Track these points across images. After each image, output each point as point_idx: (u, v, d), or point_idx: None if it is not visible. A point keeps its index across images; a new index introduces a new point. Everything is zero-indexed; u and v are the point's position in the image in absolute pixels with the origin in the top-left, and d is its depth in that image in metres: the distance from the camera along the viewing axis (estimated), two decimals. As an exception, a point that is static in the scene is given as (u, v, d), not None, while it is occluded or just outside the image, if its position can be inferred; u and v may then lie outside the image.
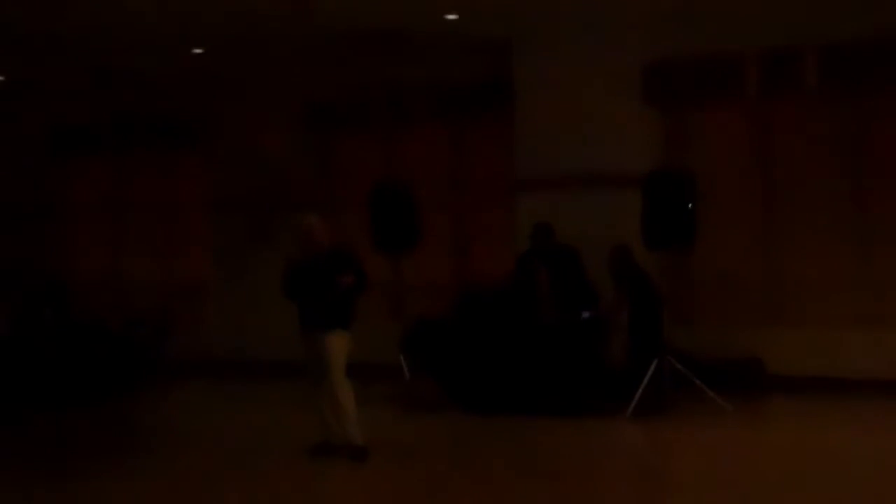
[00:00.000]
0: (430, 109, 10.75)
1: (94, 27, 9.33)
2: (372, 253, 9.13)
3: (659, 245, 8.30)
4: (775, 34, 9.09)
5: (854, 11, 8.73)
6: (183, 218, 12.34)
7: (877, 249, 9.06)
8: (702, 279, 9.66)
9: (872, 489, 5.90)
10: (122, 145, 12.46)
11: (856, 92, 9.04)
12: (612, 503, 6.10)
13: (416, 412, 8.66)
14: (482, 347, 8.51)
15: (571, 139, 9.64)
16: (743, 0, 8.78)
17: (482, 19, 9.40)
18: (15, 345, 9.67)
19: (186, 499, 6.20)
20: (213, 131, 11.82)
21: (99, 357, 9.85)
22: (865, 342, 8.85)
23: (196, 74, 11.41)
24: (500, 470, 6.70)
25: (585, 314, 8.40)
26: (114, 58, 10.66)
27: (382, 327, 9.65)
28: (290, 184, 11.28)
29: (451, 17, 9.25)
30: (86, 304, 11.42)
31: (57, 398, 9.38)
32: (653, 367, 8.10)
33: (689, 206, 8.18)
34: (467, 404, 8.43)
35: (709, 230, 8.80)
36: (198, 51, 10.48)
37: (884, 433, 7.35)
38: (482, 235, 10.73)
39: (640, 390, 8.03)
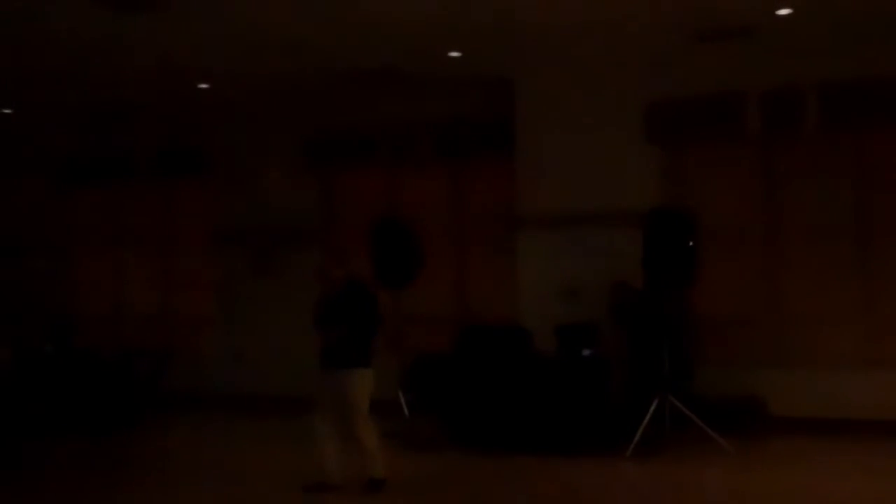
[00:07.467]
0: (432, 145, 10.81)
1: (101, 62, 9.41)
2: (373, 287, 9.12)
3: (660, 283, 8.28)
4: (776, 73, 9.13)
5: (854, 51, 8.79)
6: (184, 251, 12.35)
7: (880, 289, 9.02)
8: (703, 318, 9.62)
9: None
10: (124, 178, 12.52)
11: (856, 130, 9.07)
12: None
13: (415, 450, 8.59)
14: (482, 384, 8.46)
15: (572, 177, 9.68)
16: (743, 39, 8.84)
17: (485, 57, 9.47)
18: (16, 378, 9.66)
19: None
20: (216, 165, 11.88)
21: (98, 390, 9.83)
22: (868, 382, 8.78)
23: (200, 108, 11.49)
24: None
25: (586, 352, 8.36)
26: (118, 91, 10.74)
27: (382, 363, 9.54)
28: (292, 218, 11.31)
29: (454, 54, 9.33)
30: (88, 336, 11.40)
31: (56, 431, 9.35)
32: (653, 406, 8.05)
33: (690, 244, 8.17)
34: (467, 442, 8.37)
35: (710, 268, 8.78)
36: (203, 86, 10.56)
37: (886, 476, 7.25)
38: (483, 271, 10.72)
39: (640, 429, 7.98)
